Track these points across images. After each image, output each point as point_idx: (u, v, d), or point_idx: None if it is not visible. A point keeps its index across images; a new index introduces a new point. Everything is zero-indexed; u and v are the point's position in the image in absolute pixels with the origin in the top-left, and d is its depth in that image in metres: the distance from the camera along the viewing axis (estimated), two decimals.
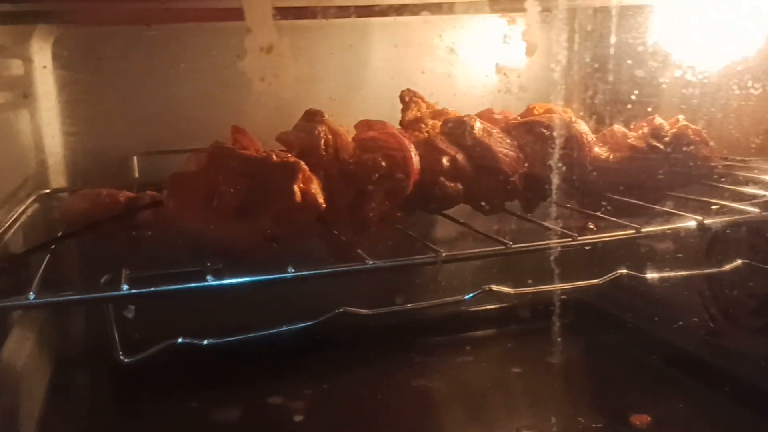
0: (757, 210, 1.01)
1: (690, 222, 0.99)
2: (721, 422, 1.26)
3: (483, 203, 1.15)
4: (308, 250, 0.98)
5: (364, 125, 1.28)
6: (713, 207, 1.04)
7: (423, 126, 1.30)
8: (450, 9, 1.27)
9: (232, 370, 1.27)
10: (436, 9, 1.33)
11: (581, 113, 1.60)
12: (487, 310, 1.67)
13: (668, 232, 0.98)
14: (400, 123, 1.35)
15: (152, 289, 0.77)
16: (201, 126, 1.42)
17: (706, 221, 0.98)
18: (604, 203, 1.13)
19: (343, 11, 1.17)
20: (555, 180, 1.17)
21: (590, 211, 1.10)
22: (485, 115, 1.36)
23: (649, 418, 1.24)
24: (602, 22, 1.53)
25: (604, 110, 1.53)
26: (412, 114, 1.36)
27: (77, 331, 1.39)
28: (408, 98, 1.37)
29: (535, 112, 1.36)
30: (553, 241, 0.94)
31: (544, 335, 1.58)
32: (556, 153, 1.15)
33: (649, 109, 1.28)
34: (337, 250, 1.01)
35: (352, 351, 1.47)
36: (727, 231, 1.21)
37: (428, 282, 1.62)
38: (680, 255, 1.34)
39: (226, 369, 1.24)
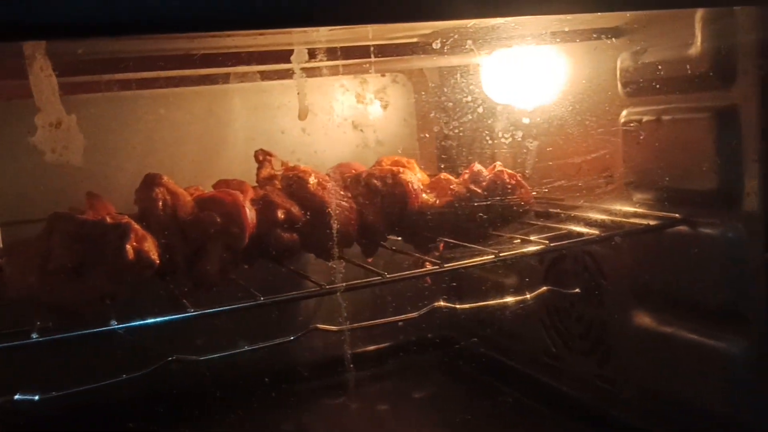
0: (546, 242, 1.15)
1: (489, 256, 1.11)
2: None
3: (321, 251, 1.24)
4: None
5: (222, 184, 1.37)
6: (515, 241, 1.17)
7: (276, 182, 1.39)
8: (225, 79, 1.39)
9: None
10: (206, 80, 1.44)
11: (432, 162, 1.74)
12: (364, 351, 1.75)
13: (470, 266, 1.10)
14: (257, 180, 1.44)
15: None
16: (63, 194, 1.48)
17: (501, 254, 1.11)
18: (431, 245, 1.25)
19: (126, 85, 1.27)
20: (387, 225, 1.28)
21: (409, 252, 1.22)
22: (338, 170, 1.47)
23: None
24: (440, 86, 1.70)
25: (447, 161, 1.67)
26: (266, 171, 1.45)
27: None
28: (262, 157, 1.47)
29: (384, 164, 1.48)
30: (363, 281, 1.05)
31: (413, 372, 1.69)
32: (387, 202, 1.27)
33: (470, 158, 1.41)
34: (172, 303, 1.08)
35: (230, 400, 1.52)
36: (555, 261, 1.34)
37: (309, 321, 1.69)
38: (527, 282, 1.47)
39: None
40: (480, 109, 1.51)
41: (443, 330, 1.72)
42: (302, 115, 1.14)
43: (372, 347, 1.73)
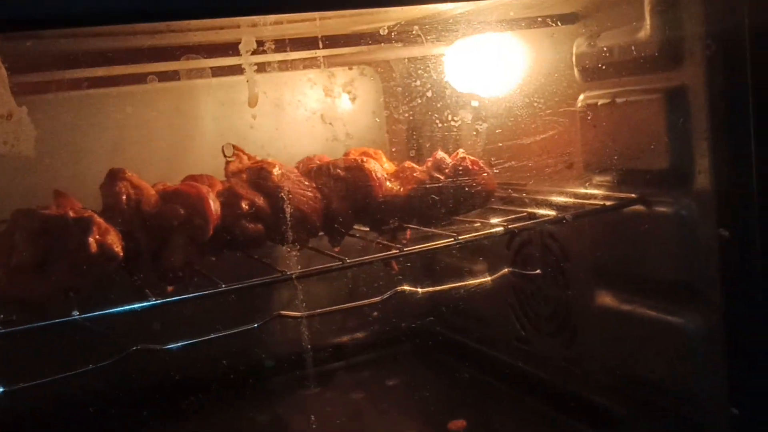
0: (505, 225, 1.17)
1: (449, 239, 1.14)
2: (528, 421, 1.39)
3: (286, 241, 1.26)
4: None
5: (190, 179, 1.38)
6: (476, 224, 1.20)
7: (244, 176, 1.41)
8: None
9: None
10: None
11: (401, 153, 1.76)
12: (338, 342, 1.77)
13: (430, 249, 1.13)
14: (225, 175, 1.46)
15: None
16: (33, 195, 1.48)
17: (460, 237, 1.13)
18: (393, 229, 1.27)
19: (77, 84, 1.29)
20: (352, 214, 1.30)
21: (377, 241, 1.25)
22: (305, 162, 1.49)
23: (464, 423, 1.37)
24: (406, 77, 1.72)
25: (416, 150, 1.70)
26: (234, 166, 1.47)
27: None
28: (229, 152, 1.48)
29: (352, 155, 1.50)
30: (321, 267, 1.07)
31: (386, 361, 1.71)
32: (351, 190, 1.28)
33: (436, 146, 1.44)
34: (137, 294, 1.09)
35: (199, 390, 1.52)
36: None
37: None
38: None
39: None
40: (445, 99, 1.53)
41: (416, 318, 1.74)
42: (252, 102, 1.16)
43: (346, 338, 1.75)
